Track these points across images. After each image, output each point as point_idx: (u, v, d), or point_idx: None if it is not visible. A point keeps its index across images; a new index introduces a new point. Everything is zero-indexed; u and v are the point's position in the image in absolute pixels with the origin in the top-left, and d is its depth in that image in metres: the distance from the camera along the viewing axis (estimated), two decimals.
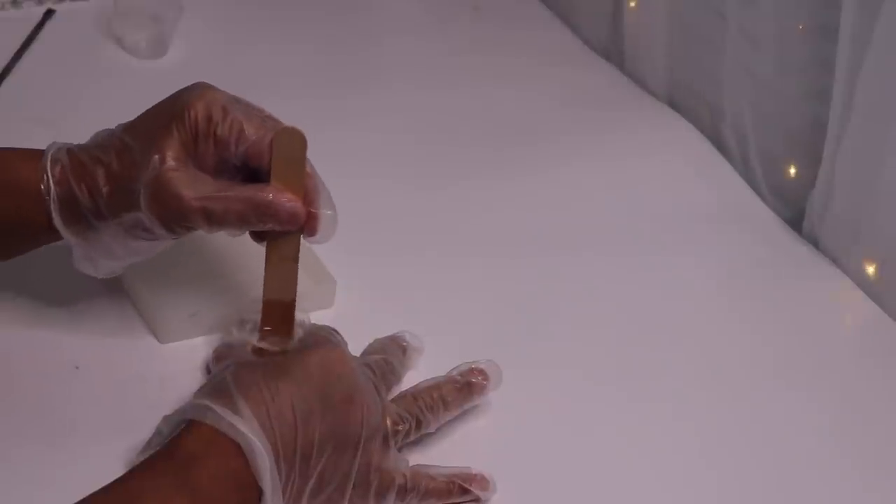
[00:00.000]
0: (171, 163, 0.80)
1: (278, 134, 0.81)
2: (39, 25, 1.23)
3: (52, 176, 0.82)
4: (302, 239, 0.96)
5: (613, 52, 1.31)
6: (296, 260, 0.82)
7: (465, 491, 0.81)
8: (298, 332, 0.83)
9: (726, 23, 1.13)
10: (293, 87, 1.20)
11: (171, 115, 0.81)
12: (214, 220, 0.80)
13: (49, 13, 1.25)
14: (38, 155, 0.83)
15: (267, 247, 0.83)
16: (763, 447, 0.89)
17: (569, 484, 0.84)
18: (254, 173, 0.82)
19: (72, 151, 0.83)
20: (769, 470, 0.87)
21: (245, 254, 0.87)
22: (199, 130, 0.80)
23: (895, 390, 0.95)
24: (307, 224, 0.81)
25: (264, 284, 0.82)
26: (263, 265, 0.82)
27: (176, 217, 0.80)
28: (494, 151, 1.15)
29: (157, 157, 0.80)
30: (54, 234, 0.84)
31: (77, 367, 0.87)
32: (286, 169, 0.81)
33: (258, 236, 0.83)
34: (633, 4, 1.26)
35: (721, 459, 0.88)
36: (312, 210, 0.81)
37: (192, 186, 0.80)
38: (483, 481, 0.82)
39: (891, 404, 0.94)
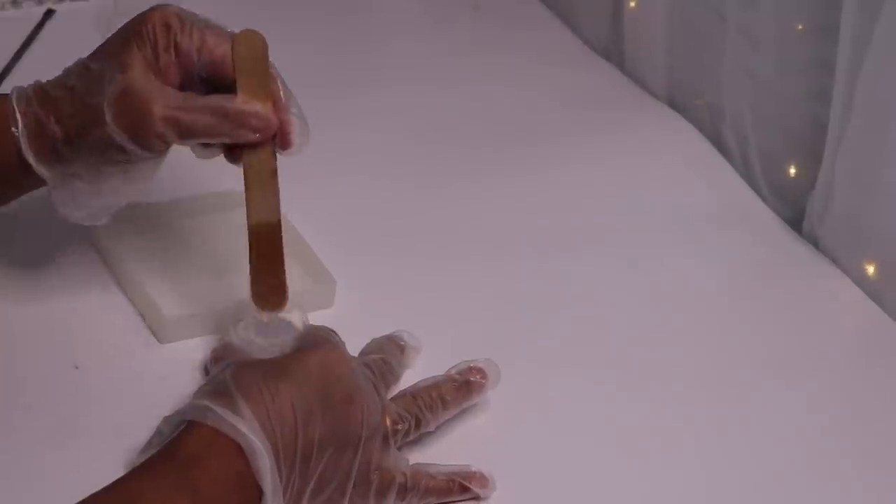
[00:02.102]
0: (135, 74, 0.80)
1: (237, 38, 0.81)
2: (39, 25, 1.23)
3: (19, 109, 0.82)
4: (299, 236, 0.97)
5: (613, 52, 1.31)
6: (274, 175, 0.81)
7: (465, 489, 0.81)
8: (294, 321, 0.84)
9: (726, 23, 1.13)
10: (293, 87, 1.19)
11: (130, 32, 0.81)
12: (184, 130, 0.80)
13: (49, 13, 1.25)
14: (5, 98, 0.83)
15: (244, 167, 0.82)
16: (763, 447, 0.89)
17: (568, 482, 0.84)
18: (219, 89, 0.82)
19: (37, 84, 0.83)
20: (769, 469, 0.87)
21: (245, 255, 0.87)
22: (159, 42, 0.80)
23: (895, 390, 0.95)
24: (280, 134, 0.82)
25: (247, 208, 0.82)
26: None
27: (144, 128, 0.80)
28: (494, 151, 1.15)
29: (118, 70, 0.80)
30: (31, 176, 0.83)
31: (77, 367, 0.87)
32: (251, 76, 0.81)
33: (231, 155, 0.83)
34: (633, 4, 1.26)
35: (721, 459, 0.88)
36: (284, 117, 0.82)
37: (159, 98, 0.80)
38: (483, 479, 0.82)
39: (891, 404, 0.94)
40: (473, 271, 1.01)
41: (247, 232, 0.83)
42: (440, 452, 0.84)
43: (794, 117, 1.10)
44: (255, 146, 0.81)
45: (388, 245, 1.03)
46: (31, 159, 0.82)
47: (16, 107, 0.82)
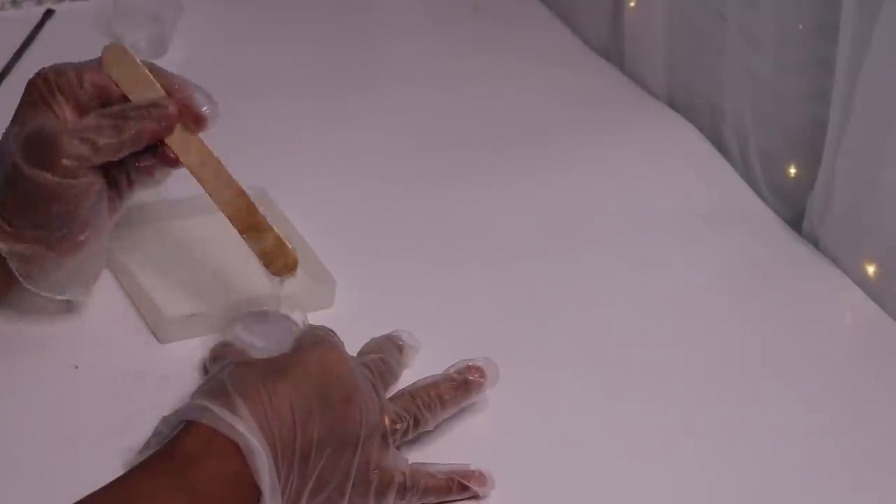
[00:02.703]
0: (34, 122, 0.82)
1: (104, 57, 0.84)
2: (39, 25, 1.23)
3: None
4: (299, 236, 0.97)
5: (613, 52, 1.31)
6: (210, 154, 0.85)
7: (464, 488, 0.81)
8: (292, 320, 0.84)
9: (726, 23, 1.13)
10: (293, 87, 1.20)
11: (20, 104, 0.84)
12: (88, 136, 0.81)
13: (49, 13, 1.25)
14: None
15: (185, 164, 0.85)
16: (763, 447, 0.89)
17: (567, 481, 0.84)
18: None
19: None
20: (768, 469, 0.87)
21: (245, 256, 0.87)
22: (44, 92, 0.83)
23: (895, 390, 0.95)
24: (188, 113, 0.84)
25: (211, 196, 0.85)
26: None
27: (55, 152, 0.81)
28: (494, 152, 1.15)
29: (20, 127, 0.83)
30: None
31: (77, 367, 0.87)
32: (133, 81, 0.84)
33: (166, 159, 0.85)
34: (633, 4, 1.26)
35: (720, 458, 0.88)
36: (180, 96, 0.84)
37: (62, 124, 0.82)
38: (481, 478, 0.82)
39: (890, 404, 0.94)
40: (473, 271, 1.01)
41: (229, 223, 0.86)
42: (439, 451, 0.84)
43: (794, 117, 1.10)
44: (179, 139, 0.84)
45: (388, 245, 1.03)
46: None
47: None
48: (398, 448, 0.82)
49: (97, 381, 0.87)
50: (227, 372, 0.76)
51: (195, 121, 0.84)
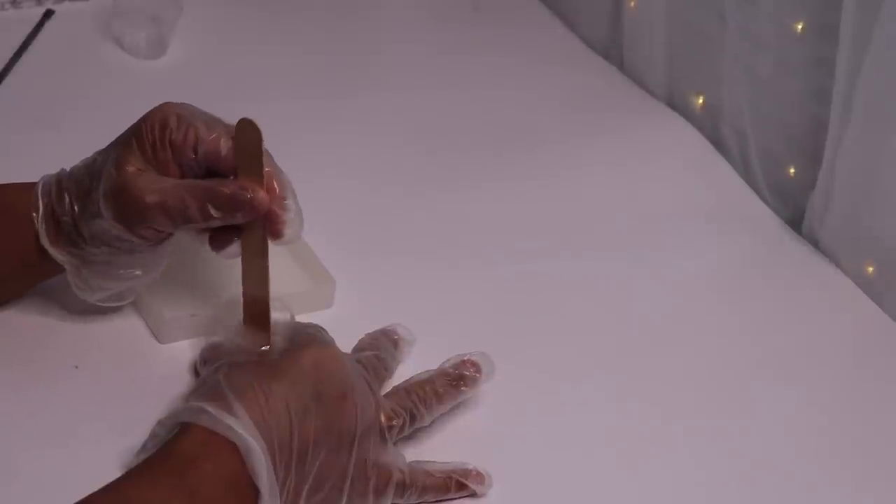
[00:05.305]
0: (129, 170, 0.82)
1: (238, 126, 0.81)
2: (39, 25, 1.23)
3: (42, 197, 0.85)
4: (305, 242, 0.96)
5: (613, 52, 1.31)
6: (264, 257, 0.83)
7: (462, 486, 0.81)
8: (279, 335, 0.83)
9: (726, 23, 1.13)
10: (292, 87, 1.20)
11: (131, 131, 0.83)
12: (173, 213, 0.81)
13: (48, 13, 1.25)
14: (33, 185, 0.86)
15: (241, 245, 0.83)
16: (762, 447, 0.89)
17: (564, 479, 0.84)
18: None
19: (59, 176, 0.86)
20: (767, 470, 0.87)
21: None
22: (156, 138, 0.82)
23: (894, 390, 0.95)
24: (271, 223, 0.81)
25: (242, 279, 0.84)
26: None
27: (134, 215, 0.81)
28: (493, 152, 1.15)
29: (112, 166, 0.82)
30: (49, 262, 0.86)
31: (77, 367, 0.87)
32: (247, 162, 0.81)
33: (217, 245, 0.84)
34: (632, 4, 1.26)
35: (719, 458, 0.88)
36: (275, 208, 0.81)
37: (150, 188, 0.81)
38: (479, 476, 0.82)
39: (890, 404, 0.94)
40: (472, 271, 1.01)
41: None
42: (436, 449, 0.84)
43: (793, 117, 1.10)
44: (250, 225, 0.82)
45: (388, 245, 1.03)
46: (45, 244, 0.85)
47: (39, 194, 0.85)
48: (395, 445, 0.82)
49: (97, 381, 0.87)
50: (221, 373, 0.76)
51: (271, 233, 0.82)
